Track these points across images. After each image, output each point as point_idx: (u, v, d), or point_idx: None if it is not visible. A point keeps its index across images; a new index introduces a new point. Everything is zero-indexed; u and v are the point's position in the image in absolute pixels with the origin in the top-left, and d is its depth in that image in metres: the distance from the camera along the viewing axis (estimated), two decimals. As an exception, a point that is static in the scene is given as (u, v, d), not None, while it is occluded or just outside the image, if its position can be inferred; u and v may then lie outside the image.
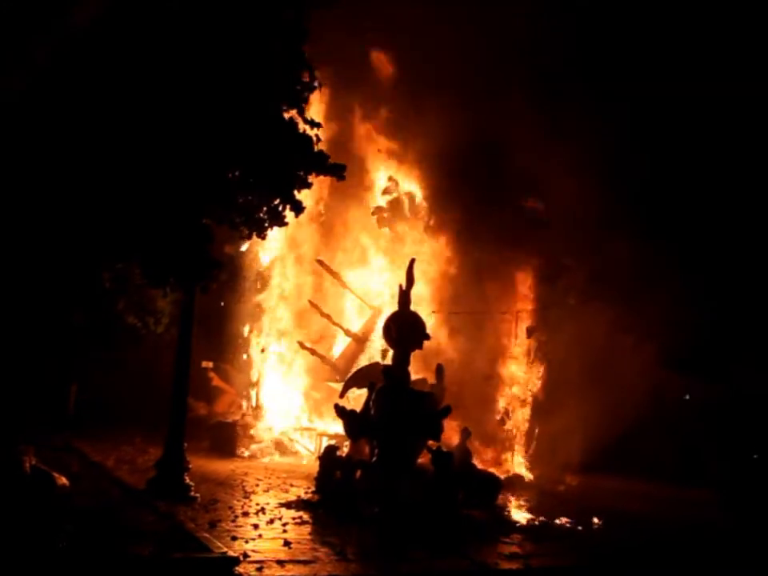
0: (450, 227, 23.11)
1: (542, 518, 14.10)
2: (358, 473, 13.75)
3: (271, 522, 11.81)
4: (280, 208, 13.48)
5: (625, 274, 21.58)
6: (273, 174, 13.25)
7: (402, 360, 14.47)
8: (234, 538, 10.33)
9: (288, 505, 13.34)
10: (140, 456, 17.05)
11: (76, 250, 12.34)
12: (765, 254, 22.50)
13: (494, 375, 21.86)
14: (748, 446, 21.07)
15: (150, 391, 19.69)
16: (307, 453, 21.12)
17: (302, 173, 13.41)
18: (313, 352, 22.88)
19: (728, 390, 22.58)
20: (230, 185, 13.08)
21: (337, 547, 10.42)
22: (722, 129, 23.00)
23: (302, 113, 13.59)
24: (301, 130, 13.45)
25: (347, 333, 23.17)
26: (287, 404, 23.08)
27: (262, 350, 23.27)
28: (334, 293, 24.14)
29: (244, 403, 23.66)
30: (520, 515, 14.28)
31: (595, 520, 14.28)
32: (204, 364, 23.47)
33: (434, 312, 21.47)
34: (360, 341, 22.79)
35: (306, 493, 14.46)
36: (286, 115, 13.39)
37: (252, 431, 21.21)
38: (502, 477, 16.63)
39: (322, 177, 14.22)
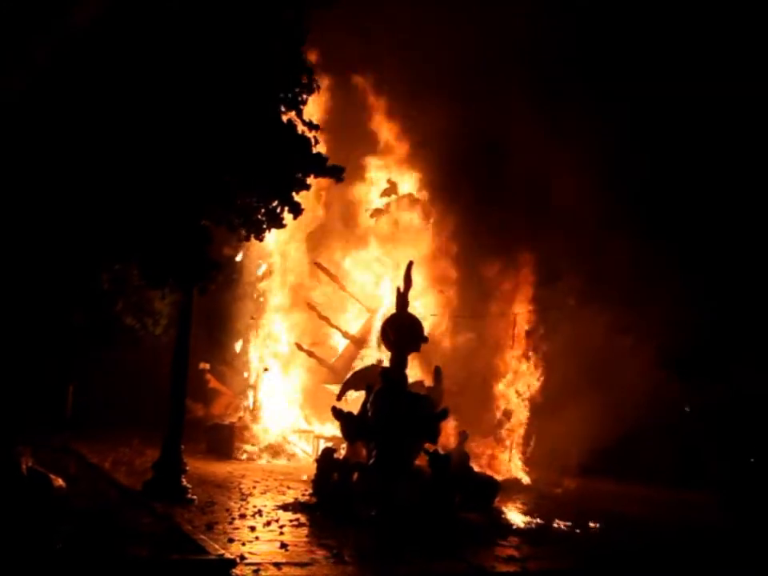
0: (450, 228, 23.10)
1: (539, 521, 14.09)
2: (356, 475, 13.72)
3: (268, 524, 11.80)
4: (278, 210, 13.49)
5: (625, 274, 21.56)
6: (271, 175, 13.26)
7: (399, 362, 14.46)
8: (231, 540, 10.32)
9: (285, 507, 13.34)
10: (137, 457, 17.03)
11: (76, 250, 12.34)
12: (765, 254, 22.45)
13: (492, 377, 21.83)
14: (748, 447, 21.05)
15: (147, 393, 19.69)
16: (304, 455, 21.13)
17: (300, 174, 13.42)
18: (310, 354, 22.89)
19: (728, 390, 22.54)
20: (229, 186, 13.09)
21: (334, 549, 10.40)
22: (722, 129, 22.96)
23: (300, 114, 13.59)
24: (299, 132, 13.45)
25: (345, 335, 23.18)
26: (285, 406, 23.07)
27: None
28: (333, 295, 24.15)
29: (243, 404, 23.65)
30: (517, 518, 14.26)
31: (591, 524, 14.24)
32: (201, 366, 23.47)
33: (432, 315, 21.46)
34: (358, 343, 22.79)
35: (303, 495, 14.47)
36: (285, 117, 13.40)
37: (249, 433, 21.21)
38: (500, 479, 16.61)
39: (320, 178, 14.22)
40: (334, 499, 13.40)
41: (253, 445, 20.83)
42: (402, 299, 14.84)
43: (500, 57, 21.38)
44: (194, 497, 13.00)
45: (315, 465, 14.57)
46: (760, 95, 21.64)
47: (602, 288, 21.53)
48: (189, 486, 13.19)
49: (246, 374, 23.67)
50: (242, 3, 12.71)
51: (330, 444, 17.37)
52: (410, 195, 24.49)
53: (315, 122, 13.85)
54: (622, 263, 21.37)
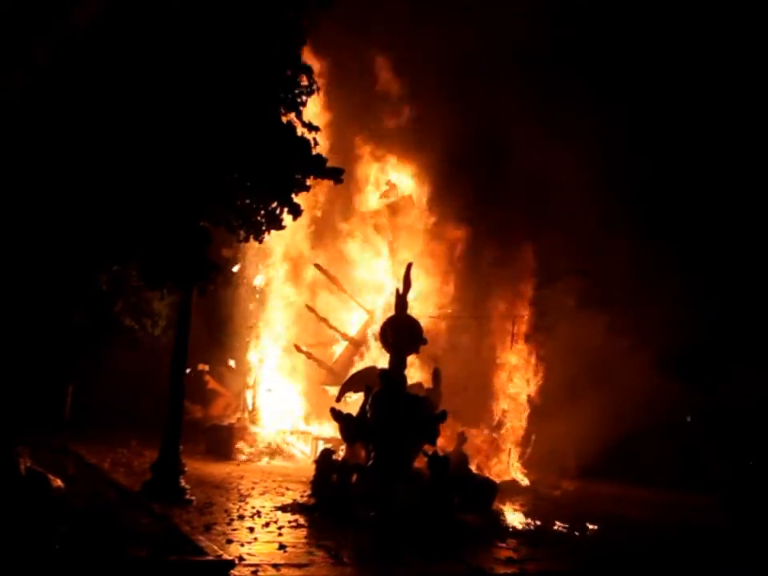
0: (449, 229, 23.09)
1: (537, 523, 14.08)
2: (354, 476, 13.72)
3: (267, 525, 11.79)
4: (278, 211, 13.47)
5: (624, 274, 21.56)
6: (271, 176, 13.24)
7: (398, 364, 14.44)
8: (230, 541, 10.31)
9: (284, 508, 13.32)
10: (136, 458, 17.05)
11: (75, 251, 12.33)
12: (765, 253, 22.45)
13: (490, 379, 21.81)
14: (748, 447, 21.04)
15: (146, 393, 19.71)
16: (303, 456, 21.10)
17: (300, 176, 13.40)
18: (309, 355, 22.88)
19: (728, 390, 22.53)
20: (229, 187, 13.07)
21: (332, 551, 10.39)
22: (722, 129, 22.97)
23: (300, 116, 13.58)
24: (299, 133, 13.44)
25: (344, 336, 23.17)
26: (283, 407, 23.05)
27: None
28: (331, 296, 24.13)
29: (245, 405, 23.63)
30: (516, 520, 14.24)
31: (590, 526, 14.22)
32: (200, 367, 23.48)
33: (431, 316, 21.44)
34: (357, 344, 22.78)
35: (302, 496, 14.44)
36: (284, 118, 13.39)
37: (248, 434, 21.19)
38: (498, 481, 16.60)
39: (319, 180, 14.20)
40: (333, 500, 13.39)
41: (251, 446, 20.80)
42: (401, 300, 14.82)
43: (500, 57, 21.36)
44: (193, 497, 12.98)
45: (314, 466, 14.55)
46: (760, 95, 21.66)
47: (602, 288, 21.52)
48: (187, 486, 13.18)
49: (248, 364, 23.70)
50: (242, 3, 12.71)
51: (328, 445, 17.34)
52: (409, 196, 24.48)
53: (314, 122, 13.85)
54: (622, 263, 21.37)
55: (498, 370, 21.90)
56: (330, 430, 20.41)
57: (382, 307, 22.75)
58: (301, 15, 13.40)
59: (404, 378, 14.47)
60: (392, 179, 24.44)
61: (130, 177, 11.90)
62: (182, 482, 13.09)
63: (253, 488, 15.45)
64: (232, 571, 8.90)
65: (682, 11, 22.70)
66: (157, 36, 11.88)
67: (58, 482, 9.80)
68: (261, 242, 14.31)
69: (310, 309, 23.16)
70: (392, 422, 13.79)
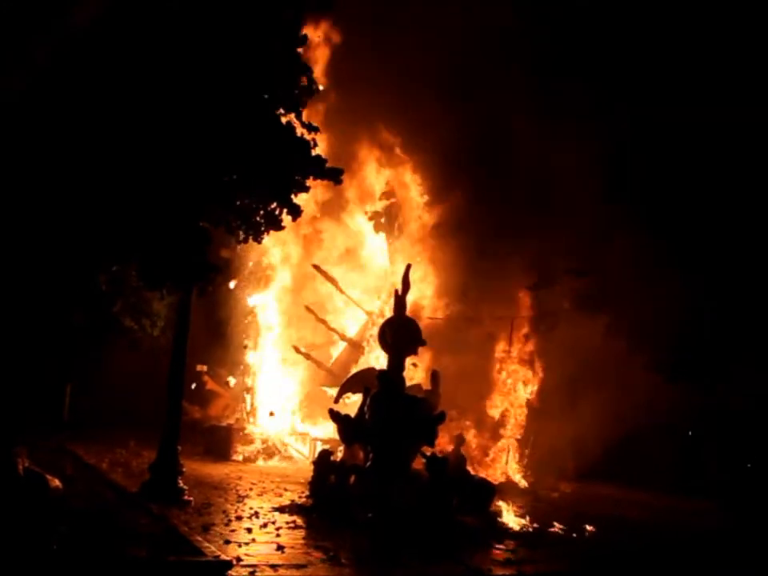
0: (448, 230, 23.07)
1: (535, 525, 14.06)
2: (352, 478, 13.72)
3: (265, 526, 11.81)
4: (277, 212, 13.49)
5: (624, 274, 21.52)
6: (271, 177, 13.25)
7: (396, 365, 14.44)
8: (228, 542, 10.32)
9: (282, 509, 13.33)
10: (134, 459, 17.04)
11: (75, 251, 12.33)
12: (765, 253, 22.43)
13: (490, 380, 21.79)
14: (749, 447, 21.02)
15: (145, 394, 19.70)
16: (301, 457, 21.09)
17: (299, 177, 13.41)
18: (308, 357, 22.87)
19: (728, 390, 22.50)
20: (228, 187, 13.08)
21: (330, 552, 10.40)
22: (721, 129, 22.95)
23: (299, 116, 13.59)
24: (299, 134, 13.45)
25: (343, 338, 23.17)
26: (282, 408, 23.03)
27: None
28: (331, 297, 24.13)
29: (243, 406, 23.61)
30: (514, 521, 14.23)
31: (588, 527, 14.21)
32: (199, 367, 23.44)
33: (429, 318, 21.42)
34: (356, 346, 22.77)
35: (300, 497, 14.46)
36: (284, 119, 13.40)
37: (246, 435, 21.17)
38: (496, 483, 16.59)
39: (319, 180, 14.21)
40: (331, 502, 13.39)
41: (250, 447, 20.80)
42: (400, 302, 14.81)
43: (499, 57, 21.35)
44: (191, 498, 12.99)
45: (312, 467, 14.56)
46: (760, 95, 21.65)
47: (602, 288, 21.50)
48: (185, 487, 13.18)
49: (246, 365, 23.68)
50: (242, 3, 12.72)
51: (327, 446, 17.32)
52: (408, 197, 24.47)
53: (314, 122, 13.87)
54: (622, 263, 21.34)
55: (497, 371, 21.89)
56: (328, 430, 20.41)
57: (381, 308, 22.74)
58: (301, 14, 13.42)
59: (402, 380, 14.47)
60: (391, 180, 24.41)
61: (130, 177, 11.91)
62: (181, 483, 13.11)
63: (251, 489, 15.46)
64: (230, 572, 8.92)
65: (681, 11, 22.70)
66: (157, 36, 11.89)
67: (57, 483, 9.82)
68: (260, 242, 14.34)
69: (309, 309, 23.15)
70: (390, 423, 13.78)
